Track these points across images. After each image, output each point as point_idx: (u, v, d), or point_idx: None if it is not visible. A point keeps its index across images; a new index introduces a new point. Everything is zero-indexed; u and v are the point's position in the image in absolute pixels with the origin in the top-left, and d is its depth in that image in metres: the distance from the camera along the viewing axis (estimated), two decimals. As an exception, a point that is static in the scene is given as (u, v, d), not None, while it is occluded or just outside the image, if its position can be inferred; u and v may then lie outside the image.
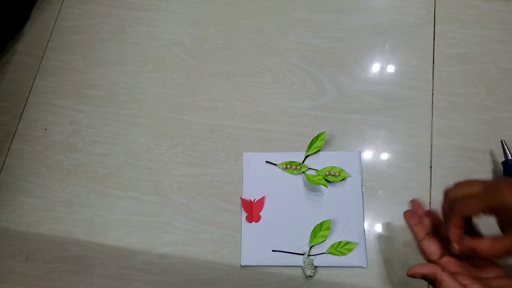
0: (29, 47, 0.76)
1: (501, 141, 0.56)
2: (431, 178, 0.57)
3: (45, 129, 0.70)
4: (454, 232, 0.38)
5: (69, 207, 0.64)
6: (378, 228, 0.56)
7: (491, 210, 0.36)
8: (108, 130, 0.67)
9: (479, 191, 0.37)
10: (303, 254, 0.55)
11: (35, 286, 0.61)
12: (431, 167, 0.57)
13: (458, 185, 0.40)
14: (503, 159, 0.54)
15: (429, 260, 0.40)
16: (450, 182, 0.56)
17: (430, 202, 0.56)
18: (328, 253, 0.55)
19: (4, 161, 0.69)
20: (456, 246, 0.38)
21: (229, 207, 0.60)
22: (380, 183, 0.58)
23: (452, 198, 0.39)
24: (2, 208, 0.66)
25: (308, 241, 0.56)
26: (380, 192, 0.57)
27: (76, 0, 0.78)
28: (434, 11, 0.65)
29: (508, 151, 0.54)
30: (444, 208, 0.40)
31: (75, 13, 0.77)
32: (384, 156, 0.59)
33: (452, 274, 0.37)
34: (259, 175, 0.60)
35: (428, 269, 0.38)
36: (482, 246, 0.36)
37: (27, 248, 0.63)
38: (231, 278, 0.57)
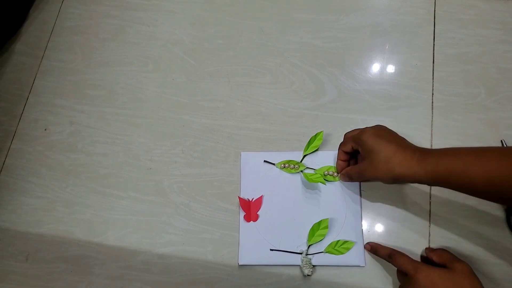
0: (29, 47, 0.76)
1: (501, 141, 0.56)
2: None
3: (45, 129, 0.70)
4: (338, 163, 0.57)
5: (69, 207, 0.64)
6: (376, 227, 0.56)
7: (356, 144, 0.51)
8: (108, 130, 0.67)
9: (356, 133, 0.52)
10: (301, 253, 0.55)
11: (35, 286, 0.61)
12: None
13: (352, 130, 0.56)
14: None
15: None
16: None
17: (430, 202, 0.56)
18: (326, 252, 0.55)
19: (4, 161, 0.69)
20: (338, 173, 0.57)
21: (229, 207, 0.60)
22: (379, 183, 0.57)
23: (345, 137, 0.56)
24: (2, 208, 0.66)
25: (306, 240, 0.56)
26: (380, 192, 0.57)
27: (76, 0, 0.78)
28: (434, 11, 0.65)
29: None
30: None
31: (75, 13, 0.77)
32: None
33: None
34: (257, 174, 0.60)
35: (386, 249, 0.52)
36: (347, 169, 0.55)
37: (27, 248, 0.63)
38: (231, 278, 0.57)
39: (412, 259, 0.49)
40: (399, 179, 0.46)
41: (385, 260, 0.52)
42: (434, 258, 0.49)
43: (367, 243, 0.55)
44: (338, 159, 0.56)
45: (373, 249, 0.54)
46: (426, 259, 0.52)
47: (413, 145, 0.48)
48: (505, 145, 0.55)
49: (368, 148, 0.49)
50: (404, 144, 0.48)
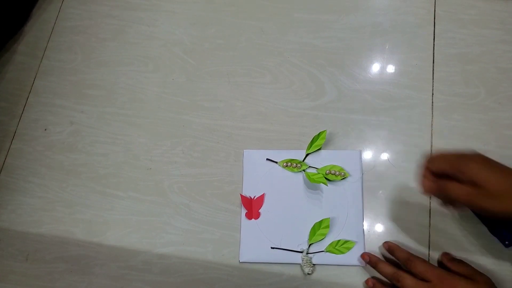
0: (29, 47, 0.76)
1: None
2: (431, 178, 0.57)
3: (45, 129, 0.70)
4: (421, 178, 0.46)
5: (69, 207, 0.64)
6: (378, 227, 0.56)
7: (454, 169, 0.42)
8: (108, 130, 0.67)
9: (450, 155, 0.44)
10: (301, 252, 0.55)
11: (35, 286, 0.61)
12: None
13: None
14: (503, 159, 0.54)
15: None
16: (450, 182, 0.56)
17: (430, 202, 0.56)
18: (326, 251, 0.55)
19: (4, 161, 0.69)
20: (421, 189, 0.46)
21: (229, 207, 0.60)
22: (380, 183, 0.58)
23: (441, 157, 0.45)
24: (2, 208, 0.66)
25: (307, 239, 0.56)
26: (380, 192, 0.57)
27: (76, 0, 0.78)
28: (434, 11, 0.65)
29: None
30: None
31: (75, 13, 0.77)
32: (384, 156, 0.59)
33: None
34: (259, 172, 0.60)
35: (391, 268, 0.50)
36: (449, 186, 0.43)
37: (27, 248, 0.63)
38: (231, 278, 0.57)
39: (433, 265, 0.47)
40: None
41: (400, 263, 0.50)
42: (454, 268, 0.47)
43: (385, 242, 0.53)
44: (425, 176, 0.46)
45: (391, 249, 0.52)
46: (442, 264, 0.51)
47: None
48: None
49: (482, 176, 0.41)
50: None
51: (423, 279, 0.46)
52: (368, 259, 0.53)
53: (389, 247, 0.53)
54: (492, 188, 0.40)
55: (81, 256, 0.61)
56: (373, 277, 0.53)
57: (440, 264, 0.52)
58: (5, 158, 0.69)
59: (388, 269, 0.50)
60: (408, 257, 0.49)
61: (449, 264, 0.49)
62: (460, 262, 0.49)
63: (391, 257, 0.53)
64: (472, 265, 0.48)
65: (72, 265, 0.61)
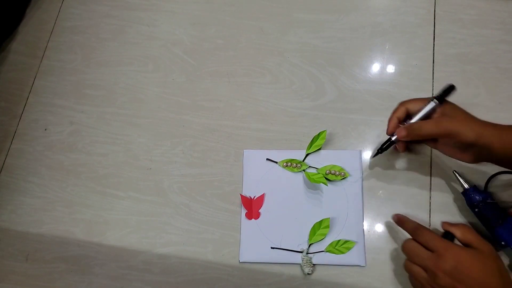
0: (29, 47, 0.76)
1: (453, 172, 0.54)
2: (431, 178, 0.57)
3: (45, 129, 0.70)
4: (393, 119, 0.51)
5: (69, 207, 0.64)
6: (378, 227, 0.56)
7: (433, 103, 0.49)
8: (108, 130, 0.67)
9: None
10: (301, 252, 0.55)
11: (35, 286, 0.61)
12: (431, 167, 0.57)
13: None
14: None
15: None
16: (450, 182, 0.56)
17: (430, 202, 0.56)
18: (326, 251, 0.55)
19: (4, 161, 0.69)
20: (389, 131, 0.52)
21: (229, 207, 0.60)
22: (380, 183, 0.58)
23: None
24: (2, 208, 0.66)
25: (307, 239, 0.56)
26: (380, 192, 0.57)
27: (76, 0, 0.78)
28: (434, 11, 0.65)
29: (462, 181, 0.53)
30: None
31: (75, 13, 0.77)
32: (384, 156, 0.59)
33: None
34: (259, 172, 0.60)
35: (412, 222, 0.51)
36: (417, 123, 0.49)
37: (27, 248, 0.63)
38: (231, 278, 0.57)
39: (439, 236, 0.46)
40: (478, 141, 0.45)
41: (409, 234, 0.50)
42: (458, 234, 0.47)
43: (395, 214, 0.53)
44: (395, 115, 0.51)
45: (400, 221, 0.52)
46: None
47: None
48: (458, 176, 0.54)
49: (451, 108, 0.48)
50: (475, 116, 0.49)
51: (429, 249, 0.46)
52: (397, 219, 0.53)
53: (398, 219, 0.53)
54: (462, 114, 0.47)
55: (81, 256, 0.61)
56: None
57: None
58: (5, 158, 0.69)
59: (411, 224, 0.50)
60: (415, 227, 0.49)
61: (452, 229, 0.48)
62: (462, 226, 0.48)
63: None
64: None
65: (72, 265, 0.61)
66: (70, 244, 0.62)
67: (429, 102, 0.50)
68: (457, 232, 0.47)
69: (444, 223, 0.50)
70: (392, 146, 0.54)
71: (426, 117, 0.50)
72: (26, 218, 0.65)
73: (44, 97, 0.72)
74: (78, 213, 0.63)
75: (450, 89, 0.50)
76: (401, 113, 0.51)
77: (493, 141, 0.45)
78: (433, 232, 0.47)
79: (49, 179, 0.66)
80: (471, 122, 0.46)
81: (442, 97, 0.50)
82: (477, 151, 0.47)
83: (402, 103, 0.52)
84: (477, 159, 0.48)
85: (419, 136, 0.49)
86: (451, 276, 0.43)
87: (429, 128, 0.48)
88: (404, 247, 0.48)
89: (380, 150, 0.55)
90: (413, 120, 0.51)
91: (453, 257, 0.43)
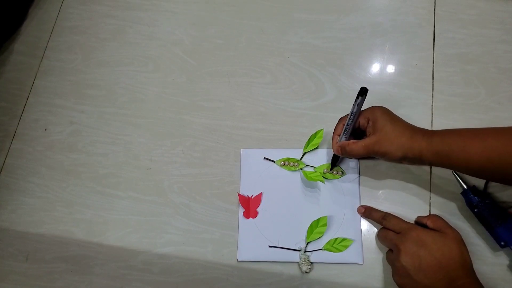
0: (29, 47, 0.76)
1: (453, 172, 0.55)
2: (431, 178, 0.57)
3: (45, 129, 0.70)
4: (335, 137, 0.54)
5: (69, 207, 0.64)
6: (375, 225, 0.56)
7: (367, 118, 0.51)
8: (108, 130, 0.67)
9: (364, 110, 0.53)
10: (299, 250, 0.56)
11: (35, 286, 0.61)
12: (430, 167, 0.57)
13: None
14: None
15: None
16: (450, 182, 0.56)
17: (430, 202, 0.56)
18: (324, 250, 0.55)
19: (4, 161, 0.69)
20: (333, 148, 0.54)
21: (229, 207, 0.60)
22: (380, 183, 0.58)
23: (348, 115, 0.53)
24: (2, 208, 0.66)
25: (304, 237, 0.56)
26: (380, 192, 0.57)
27: (76, 0, 0.78)
28: (434, 11, 0.65)
29: (461, 182, 0.54)
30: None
31: (75, 13, 0.77)
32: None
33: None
34: (257, 171, 0.61)
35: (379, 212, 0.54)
36: (349, 142, 0.51)
37: (27, 248, 0.63)
38: (231, 278, 0.57)
39: (405, 221, 0.51)
40: (407, 155, 0.48)
41: (379, 223, 0.53)
42: (428, 223, 0.50)
43: (361, 205, 0.56)
44: (335, 133, 0.54)
45: (367, 211, 0.55)
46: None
47: (415, 126, 0.51)
48: (457, 176, 0.54)
49: (381, 123, 0.49)
50: (409, 124, 0.51)
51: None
52: (363, 210, 0.56)
53: (365, 210, 0.55)
54: (392, 131, 0.49)
55: (81, 256, 0.61)
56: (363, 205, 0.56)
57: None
58: (5, 158, 0.69)
59: (379, 213, 0.54)
60: (382, 215, 0.53)
61: (423, 220, 0.51)
62: (433, 216, 0.51)
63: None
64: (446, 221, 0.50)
65: (72, 265, 0.61)
66: (70, 244, 0.62)
67: (349, 116, 0.51)
68: (427, 221, 0.50)
69: (417, 217, 0.54)
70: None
71: (360, 126, 0.53)
72: (26, 218, 0.65)
73: (44, 97, 0.72)
74: (78, 213, 0.63)
75: (363, 90, 0.49)
76: (339, 129, 0.54)
77: (423, 151, 0.47)
78: (399, 218, 0.52)
79: (49, 179, 0.66)
80: (400, 138, 0.48)
81: (357, 97, 0.49)
82: (410, 161, 0.50)
83: (340, 120, 0.55)
84: (413, 164, 0.53)
85: (351, 156, 0.53)
86: (412, 252, 0.46)
87: (359, 151, 0.51)
88: (378, 235, 0.53)
89: (332, 165, 0.58)
90: (342, 134, 0.53)
91: (416, 235, 0.47)
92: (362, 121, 0.52)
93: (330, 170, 0.58)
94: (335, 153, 0.55)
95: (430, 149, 0.47)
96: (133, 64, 0.71)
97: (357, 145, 0.51)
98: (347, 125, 0.52)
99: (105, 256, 0.61)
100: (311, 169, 0.59)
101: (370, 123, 0.51)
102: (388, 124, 0.49)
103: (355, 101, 0.50)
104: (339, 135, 0.54)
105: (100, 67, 0.72)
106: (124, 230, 0.61)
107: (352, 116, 0.51)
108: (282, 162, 0.60)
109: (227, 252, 0.58)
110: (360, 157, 0.57)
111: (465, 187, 0.53)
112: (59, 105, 0.71)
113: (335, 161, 0.57)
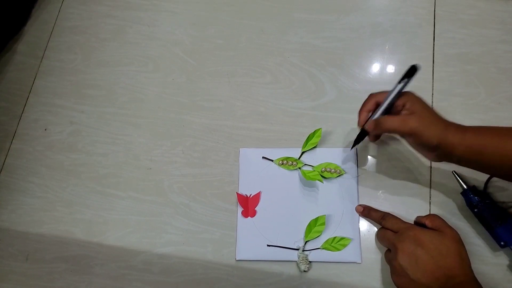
0: (29, 47, 0.76)
1: (453, 173, 0.55)
2: (431, 178, 0.57)
3: (45, 129, 0.70)
4: (363, 112, 0.52)
5: (69, 207, 0.64)
6: (373, 224, 0.56)
7: (407, 99, 0.48)
8: (108, 130, 0.68)
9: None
10: (297, 249, 0.56)
11: (35, 286, 0.61)
12: (431, 167, 0.57)
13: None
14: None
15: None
16: (450, 182, 0.56)
17: (430, 202, 0.56)
18: (322, 249, 0.55)
19: (4, 161, 0.69)
20: (360, 124, 0.52)
21: (229, 207, 0.60)
22: (380, 183, 0.58)
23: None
24: (2, 208, 0.66)
25: (303, 236, 0.56)
26: (380, 192, 0.57)
27: (76, 0, 0.78)
28: (434, 11, 0.65)
29: (461, 182, 0.54)
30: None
31: (75, 13, 0.77)
32: (384, 156, 0.59)
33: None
34: (255, 170, 0.61)
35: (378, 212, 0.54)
36: (384, 118, 0.49)
37: (27, 248, 0.63)
38: (231, 278, 0.57)
39: (404, 221, 0.51)
40: (440, 145, 0.46)
41: (378, 223, 0.54)
42: (427, 222, 0.49)
43: (359, 205, 0.56)
44: (364, 109, 0.52)
45: (366, 211, 0.55)
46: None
47: (447, 119, 0.49)
48: (457, 176, 0.54)
49: (420, 107, 0.47)
50: (442, 116, 0.49)
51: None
52: (362, 209, 0.56)
53: (364, 209, 0.56)
54: (430, 115, 0.47)
55: (81, 256, 0.61)
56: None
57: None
58: (5, 158, 0.69)
59: (378, 213, 0.54)
60: (381, 215, 0.53)
61: (422, 220, 0.50)
62: (432, 215, 0.50)
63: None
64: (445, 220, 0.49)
65: (72, 265, 0.61)
66: (70, 244, 0.62)
67: (392, 90, 0.49)
68: (426, 220, 0.49)
69: (416, 217, 0.53)
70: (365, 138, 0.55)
71: (394, 108, 0.50)
72: (26, 218, 0.65)
73: (44, 97, 0.72)
74: (78, 213, 0.63)
75: (412, 70, 0.49)
76: (370, 105, 0.52)
77: (455, 144, 0.45)
78: (398, 218, 0.51)
79: (49, 179, 0.66)
80: (436, 125, 0.47)
81: (404, 77, 0.49)
82: (439, 152, 0.47)
83: (372, 95, 0.52)
84: (439, 159, 0.49)
85: (385, 130, 0.50)
86: (409, 251, 0.45)
87: (395, 125, 0.48)
88: (376, 235, 0.53)
89: (356, 142, 0.55)
90: (380, 109, 0.50)
91: (413, 235, 0.46)
92: (399, 102, 0.49)
93: (351, 148, 0.57)
94: (366, 129, 0.51)
95: (463, 143, 0.45)
96: (133, 64, 0.71)
97: (395, 120, 0.48)
98: (386, 101, 0.49)
99: (105, 256, 0.61)
100: (310, 168, 0.59)
101: (408, 105, 0.48)
102: (426, 110, 0.47)
103: (402, 79, 0.48)
104: (368, 112, 0.51)
105: (100, 67, 0.72)
106: (124, 230, 0.61)
107: (396, 94, 0.49)
108: (280, 161, 0.60)
109: (227, 252, 0.58)
110: (391, 132, 0.51)
111: (465, 187, 0.53)
112: (59, 105, 0.71)
113: (361, 138, 0.54)
